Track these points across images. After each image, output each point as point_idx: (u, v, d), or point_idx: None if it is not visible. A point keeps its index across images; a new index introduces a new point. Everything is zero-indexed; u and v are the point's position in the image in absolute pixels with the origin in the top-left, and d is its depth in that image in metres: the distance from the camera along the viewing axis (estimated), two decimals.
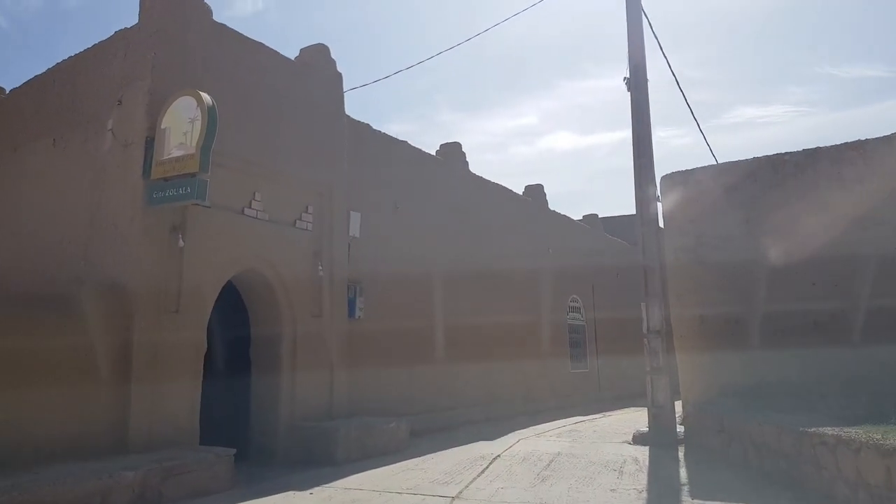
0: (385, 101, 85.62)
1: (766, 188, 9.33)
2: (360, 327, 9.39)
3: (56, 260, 7.37)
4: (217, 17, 7.67)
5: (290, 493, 6.16)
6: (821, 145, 9.10)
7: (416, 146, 11.35)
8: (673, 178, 10.07)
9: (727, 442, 7.42)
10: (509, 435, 10.02)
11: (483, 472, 7.08)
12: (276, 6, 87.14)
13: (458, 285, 11.62)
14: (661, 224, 10.21)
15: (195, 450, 6.57)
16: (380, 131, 10.43)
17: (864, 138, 8.75)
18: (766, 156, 9.50)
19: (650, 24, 9.91)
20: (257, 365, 8.16)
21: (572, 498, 5.73)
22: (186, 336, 6.88)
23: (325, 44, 9.29)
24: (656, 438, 8.67)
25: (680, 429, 9.03)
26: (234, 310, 8.30)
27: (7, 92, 9.29)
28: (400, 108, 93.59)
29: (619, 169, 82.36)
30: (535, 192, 15.42)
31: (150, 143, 6.71)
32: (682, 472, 6.92)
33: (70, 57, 8.10)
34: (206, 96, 6.36)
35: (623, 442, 9.02)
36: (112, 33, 7.58)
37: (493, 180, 13.53)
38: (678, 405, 9.45)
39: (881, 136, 8.71)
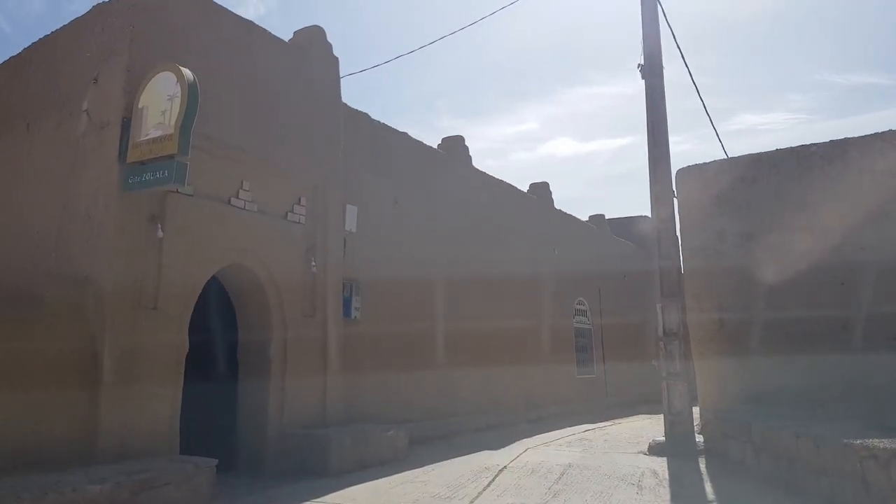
0: (385, 106, 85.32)
1: (789, 181, 8.76)
2: (356, 328, 8.81)
3: (28, 253, 6.79)
4: None
5: None
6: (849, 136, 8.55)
7: (417, 139, 10.78)
8: (689, 172, 9.51)
9: (754, 454, 6.81)
10: (515, 444, 9.42)
11: (489, 485, 6.48)
12: (278, 9, 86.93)
13: (460, 285, 11.04)
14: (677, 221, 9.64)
15: (173, 460, 5.97)
16: (378, 121, 9.87)
17: None
18: (791, 147, 8.93)
19: (663, 10, 9.37)
20: (245, 368, 7.57)
21: None
22: (166, 336, 6.30)
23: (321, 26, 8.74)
24: (674, 449, 8.07)
25: (699, 438, 8.43)
26: (221, 308, 7.72)
27: None
28: (400, 113, 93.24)
29: (620, 175, 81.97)
30: (541, 190, 14.85)
31: (126, 124, 6.15)
32: (708, 488, 6.32)
33: (47, 35, 7.54)
34: (186, 71, 5.80)
35: (638, 452, 8.41)
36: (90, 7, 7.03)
37: (497, 177, 12.97)
38: (695, 412, 8.86)
39: None
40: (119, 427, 5.81)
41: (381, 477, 6.90)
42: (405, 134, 10.44)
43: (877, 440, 4.81)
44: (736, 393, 8.51)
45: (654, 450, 8.23)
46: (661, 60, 9.21)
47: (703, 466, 7.40)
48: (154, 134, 5.86)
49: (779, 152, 9.02)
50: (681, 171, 9.52)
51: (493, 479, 6.71)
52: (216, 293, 7.56)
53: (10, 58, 8.09)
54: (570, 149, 77.94)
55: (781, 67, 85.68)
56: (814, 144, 8.81)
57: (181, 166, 5.69)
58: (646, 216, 21.62)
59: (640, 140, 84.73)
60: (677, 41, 9.92)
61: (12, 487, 4.73)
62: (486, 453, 8.51)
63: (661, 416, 14.18)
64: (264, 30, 7.87)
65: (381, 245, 9.49)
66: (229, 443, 7.42)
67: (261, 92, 7.61)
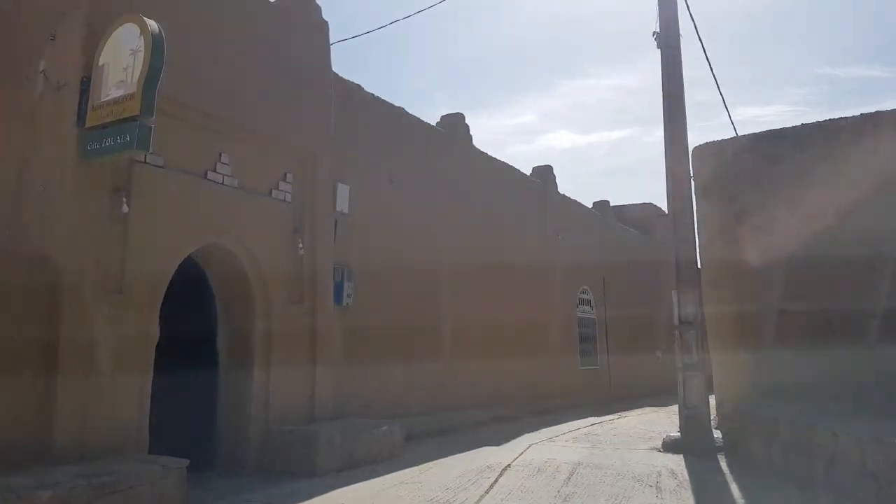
0: (383, 97, 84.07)
1: (816, 159, 8.12)
2: (348, 316, 8.17)
3: None
4: None
5: None
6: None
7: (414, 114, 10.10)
8: (706, 150, 8.86)
9: (783, 453, 6.19)
10: (518, 439, 8.81)
11: (491, 487, 5.87)
12: None
13: (460, 272, 10.40)
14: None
15: (140, 461, 5.34)
16: (372, 94, 9.19)
17: None
18: (818, 122, 8.29)
19: None
20: (225, 359, 6.93)
21: None
22: (133, 322, 5.66)
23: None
24: (691, 445, 7.47)
25: (716, 434, 7.83)
26: (199, 294, 7.07)
27: None
28: (398, 104, 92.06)
29: (620, 168, 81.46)
30: (545, 173, 14.18)
31: (86, 85, 5.48)
32: (735, 490, 5.71)
33: None
34: (150, 22, 5.12)
35: (651, 449, 7.80)
36: None
37: (499, 158, 12.30)
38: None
39: None
40: (78, 424, 5.18)
41: (373, 477, 6.29)
42: (401, 109, 9.76)
43: None
44: (755, 386, 7.94)
45: (669, 446, 7.63)
46: (677, 27, 8.54)
47: (724, 465, 6.80)
48: (115, 94, 5.20)
49: (804, 127, 8.38)
50: (697, 149, 8.88)
51: (495, 480, 6.10)
52: (193, 277, 6.91)
53: None
54: (569, 141, 77.21)
55: (780, 61, 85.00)
56: (843, 118, 8.17)
57: (145, 129, 5.03)
58: (651, 203, 21.00)
59: (639, 132, 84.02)
60: (690, 10, 9.16)
61: None
62: (487, 450, 7.91)
63: (669, 409, 13.66)
64: None
65: (375, 227, 8.84)
66: (208, 441, 6.80)
67: (241, 54, 6.93)
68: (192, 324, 6.99)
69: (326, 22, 8.17)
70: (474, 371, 10.54)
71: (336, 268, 7.97)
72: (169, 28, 5.36)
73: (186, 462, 5.29)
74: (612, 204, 18.23)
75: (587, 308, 15.10)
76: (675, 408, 13.64)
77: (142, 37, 5.11)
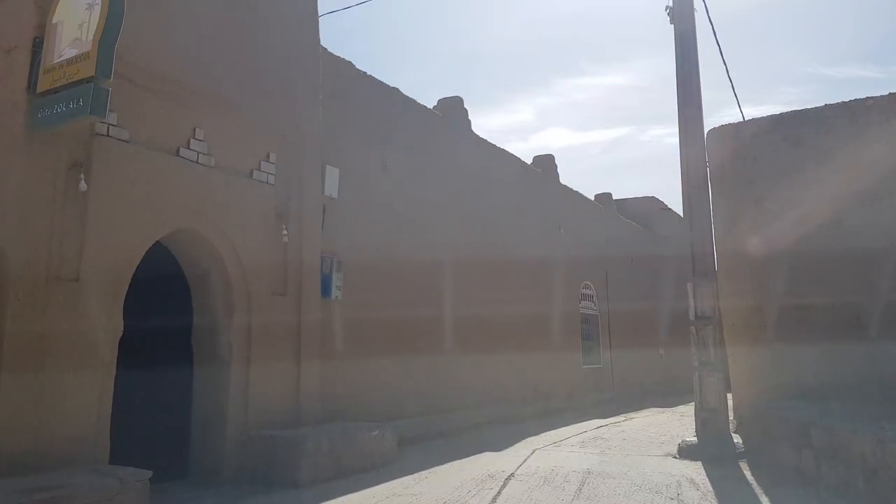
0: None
1: (841, 141, 7.57)
2: (337, 310, 7.54)
3: None
4: None
5: None
6: None
7: (410, 96, 9.46)
8: (722, 132, 8.29)
9: (817, 461, 5.60)
10: (520, 443, 8.22)
11: (494, 500, 5.26)
12: None
13: (457, 264, 9.78)
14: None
15: (97, 472, 4.71)
16: (365, 72, 8.55)
17: None
18: (843, 102, 7.72)
19: None
20: (200, 356, 6.30)
21: None
22: (92, 314, 5.03)
23: None
24: (709, 451, 6.88)
25: (735, 439, 7.25)
26: (173, 284, 6.43)
27: None
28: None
29: (616, 166, 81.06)
30: (546, 162, 13.57)
31: (39, 46, 4.83)
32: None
33: None
34: None
35: (666, 455, 7.21)
36: None
37: (499, 145, 11.68)
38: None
39: None
40: (25, 430, 4.54)
41: (363, 488, 5.67)
42: (396, 89, 9.12)
43: None
44: (777, 385, 7.39)
45: (685, 452, 7.04)
46: (692, 1, 7.94)
47: (748, 474, 6.20)
48: (69, 54, 4.56)
49: (828, 108, 7.82)
50: (713, 132, 8.31)
51: (498, 492, 5.49)
52: (166, 265, 6.28)
53: None
54: (565, 139, 76.74)
55: (774, 60, 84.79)
56: (870, 98, 7.62)
57: (100, 93, 4.39)
58: (653, 197, 20.42)
59: (635, 130, 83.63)
60: None
61: None
62: (488, 456, 7.31)
63: (675, 410, 13.09)
64: None
65: (367, 215, 8.22)
66: (180, 447, 6.17)
67: (219, 21, 6.29)
68: (165, 317, 6.34)
69: None
70: (473, 370, 9.93)
71: (324, 258, 7.34)
72: None
73: (149, 474, 4.67)
74: (613, 198, 17.65)
75: (589, 304, 14.51)
76: (682, 408, 13.18)
77: None
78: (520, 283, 11.44)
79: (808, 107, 7.96)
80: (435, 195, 9.67)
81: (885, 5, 69.82)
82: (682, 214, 19.85)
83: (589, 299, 14.50)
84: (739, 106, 35.16)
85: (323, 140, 7.43)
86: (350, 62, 8.27)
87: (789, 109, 8.21)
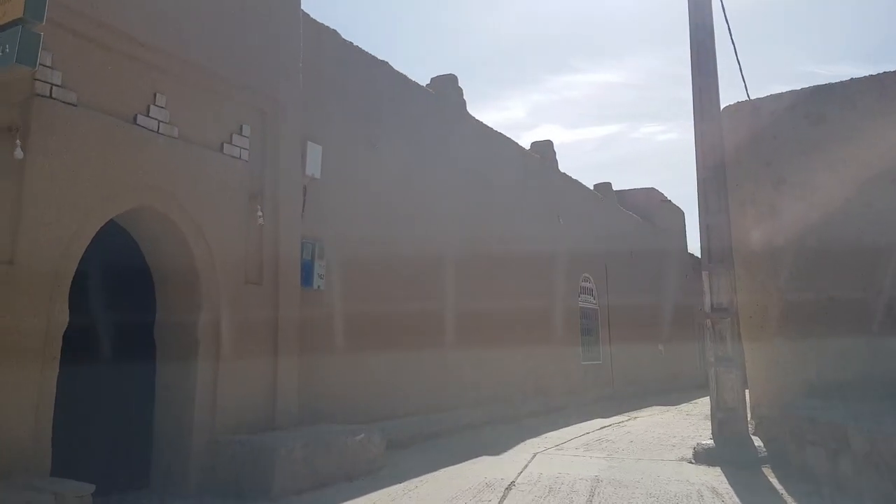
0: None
1: (867, 118, 6.97)
2: (319, 301, 6.88)
3: None
4: None
5: None
6: None
7: (401, 71, 8.77)
8: (739, 110, 7.67)
9: (854, 467, 4.99)
10: (520, 446, 7.59)
11: None
12: None
13: (452, 255, 9.13)
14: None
15: (31, 487, 4.02)
16: (352, 43, 7.85)
17: None
18: (870, 75, 7.12)
19: None
20: (164, 353, 5.60)
21: None
22: (29, 304, 4.34)
23: None
24: (729, 456, 6.27)
25: (756, 441, 6.63)
26: (133, 272, 5.73)
27: None
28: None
29: (608, 163, 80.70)
30: (544, 148, 12.92)
31: None
32: None
33: None
34: None
35: (680, 459, 6.59)
36: None
37: (495, 129, 11.02)
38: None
39: None
40: None
41: (343, 500, 5.01)
42: (386, 63, 8.43)
43: None
44: (799, 383, 6.79)
45: (702, 457, 6.42)
46: None
47: (775, 482, 5.60)
48: None
49: (854, 82, 7.20)
50: (728, 109, 7.69)
51: None
52: (129, 252, 5.59)
53: None
54: (557, 136, 76.32)
55: (766, 58, 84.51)
56: None
57: (30, 38, 3.70)
58: (653, 188, 19.82)
59: (626, 128, 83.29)
60: None
61: None
62: (485, 461, 6.66)
63: (679, 409, 12.50)
64: None
65: (354, 197, 7.54)
66: (143, 454, 5.48)
67: None
68: (127, 309, 5.65)
69: None
70: (468, 367, 9.29)
71: (305, 243, 6.66)
72: None
73: (91, 488, 3.99)
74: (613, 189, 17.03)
75: (589, 298, 13.89)
76: (686, 407, 12.59)
77: None
78: (517, 275, 10.80)
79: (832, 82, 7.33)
80: (428, 179, 9.00)
81: (880, 4, 69.63)
82: (681, 207, 18.91)
83: (588, 293, 13.88)
84: (747, 91, 34.25)
85: (304, 114, 6.75)
86: (335, 31, 7.59)
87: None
